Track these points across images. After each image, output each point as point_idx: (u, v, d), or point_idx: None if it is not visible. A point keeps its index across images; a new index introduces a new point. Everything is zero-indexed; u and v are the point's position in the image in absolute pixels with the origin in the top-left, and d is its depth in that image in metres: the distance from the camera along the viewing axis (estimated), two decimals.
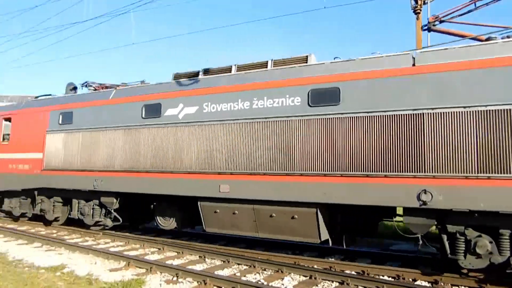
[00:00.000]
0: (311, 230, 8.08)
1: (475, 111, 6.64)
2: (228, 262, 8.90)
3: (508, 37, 7.07)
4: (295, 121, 8.22)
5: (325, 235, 8.18)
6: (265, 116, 8.58)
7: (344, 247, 8.74)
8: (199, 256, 9.52)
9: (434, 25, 8.32)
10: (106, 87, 12.62)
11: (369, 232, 8.74)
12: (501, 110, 6.45)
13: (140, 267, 8.32)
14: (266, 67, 9.15)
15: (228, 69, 9.74)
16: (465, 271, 7.26)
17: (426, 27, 8.26)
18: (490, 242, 6.74)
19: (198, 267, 8.51)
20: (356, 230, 8.70)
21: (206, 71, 10.02)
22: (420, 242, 7.36)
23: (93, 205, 11.77)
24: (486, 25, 7.97)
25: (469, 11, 7.89)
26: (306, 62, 8.81)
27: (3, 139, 13.90)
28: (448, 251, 7.10)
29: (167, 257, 9.43)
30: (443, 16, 8.16)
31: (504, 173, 6.33)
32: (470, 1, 7.94)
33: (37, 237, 11.26)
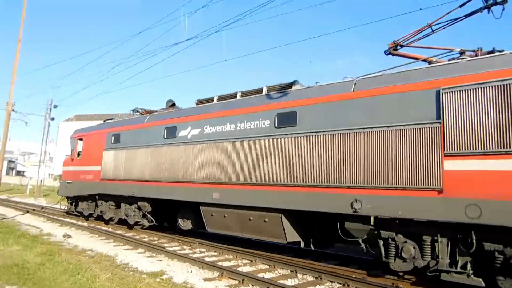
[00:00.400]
0: (279, 232, 9.60)
1: (394, 130, 7.72)
2: (321, 279, 8.59)
3: (453, 59, 7.91)
4: (265, 140, 9.87)
5: (292, 237, 9.60)
6: (244, 136, 10.36)
7: (312, 248, 9.89)
8: (291, 271, 9.36)
9: (395, 49, 8.77)
10: (148, 112, 14.97)
11: (334, 236, 9.45)
12: (415, 128, 7.47)
13: (233, 278, 8.43)
14: (261, 92, 10.84)
15: (229, 96, 11.72)
16: (401, 273, 8.07)
17: (388, 52, 8.81)
18: (414, 248, 7.71)
19: (290, 282, 8.36)
20: (323, 234, 9.85)
21: (200, 101, 12.40)
22: (362, 245, 8.37)
23: (134, 208, 14.44)
24: (437, 48, 8.45)
25: (427, 35, 8.36)
26: (291, 88, 10.18)
27: (78, 155, 17.37)
28: (383, 255, 8.10)
29: (259, 270, 9.44)
30: (403, 41, 8.62)
31: (417, 185, 7.25)
32: (426, 26, 8.31)
33: (140, 244, 12.15)
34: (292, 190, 9.05)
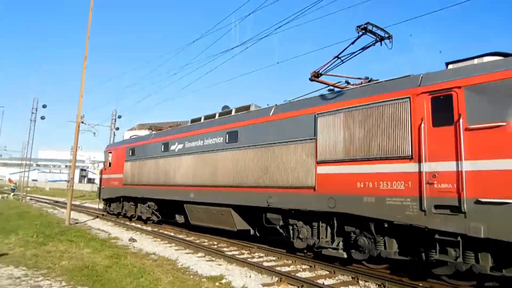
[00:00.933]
0: (230, 222, 12.91)
1: (293, 144, 10.71)
2: (384, 286, 8.21)
3: (353, 84, 10.37)
4: (219, 152, 13.27)
5: (241, 226, 12.93)
6: (207, 150, 13.82)
7: (258, 235, 13.15)
8: (352, 277, 9.05)
9: (317, 77, 10.47)
10: (158, 129, 19.03)
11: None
12: (303, 142, 10.47)
13: (291, 284, 8.32)
14: (214, 117, 14.57)
15: (198, 119, 15.46)
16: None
17: (311, 79, 10.50)
18: (307, 231, 10.60)
19: None
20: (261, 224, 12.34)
21: (193, 120, 15.77)
22: (280, 230, 11.53)
23: (145, 207, 18.60)
24: (344, 76, 10.52)
25: (338, 65, 10.02)
26: (249, 110, 13.23)
27: (109, 165, 21.83)
28: (291, 237, 11.01)
29: (318, 276, 9.24)
30: (321, 70, 10.32)
31: (303, 185, 10.25)
32: (334, 57, 9.90)
33: (201, 248, 12.43)
34: (236, 190, 12.38)
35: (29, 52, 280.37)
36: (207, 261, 10.89)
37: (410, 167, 8.10)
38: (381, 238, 8.92)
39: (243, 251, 12.61)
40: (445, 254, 7.65)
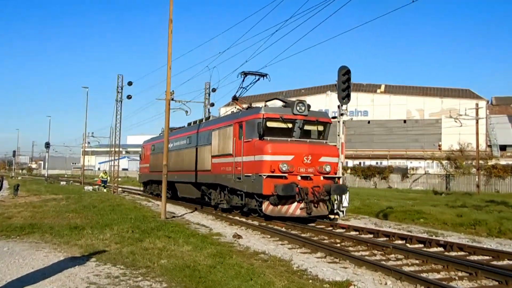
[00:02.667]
0: (193, 192, 26.44)
1: (204, 147, 24.96)
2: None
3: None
4: (184, 150, 27.86)
5: (197, 195, 25.95)
6: (181, 148, 28.49)
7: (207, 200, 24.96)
8: None
9: (235, 99, 23.40)
10: (172, 130, 29.84)
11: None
12: (207, 146, 24.26)
13: None
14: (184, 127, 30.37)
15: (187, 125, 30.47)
16: None
17: (232, 100, 24.70)
18: (214, 195, 23.91)
19: None
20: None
21: (189, 124, 29.82)
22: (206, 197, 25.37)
23: (157, 187, 34.36)
24: (240, 106, 23.33)
25: (243, 93, 23.12)
26: (195, 123, 28.13)
27: (145, 157, 38.44)
28: (209, 200, 24.72)
29: (481, 287, 8.65)
30: (237, 95, 23.14)
31: (206, 168, 24.11)
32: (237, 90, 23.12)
33: (320, 247, 12.54)
34: (188, 173, 26.26)
35: (112, 27, 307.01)
36: (329, 263, 10.95)
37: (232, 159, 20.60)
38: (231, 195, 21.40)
39: (375, 251, 12.40)
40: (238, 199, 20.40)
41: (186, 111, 34.42)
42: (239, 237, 14.60)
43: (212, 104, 39.81)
